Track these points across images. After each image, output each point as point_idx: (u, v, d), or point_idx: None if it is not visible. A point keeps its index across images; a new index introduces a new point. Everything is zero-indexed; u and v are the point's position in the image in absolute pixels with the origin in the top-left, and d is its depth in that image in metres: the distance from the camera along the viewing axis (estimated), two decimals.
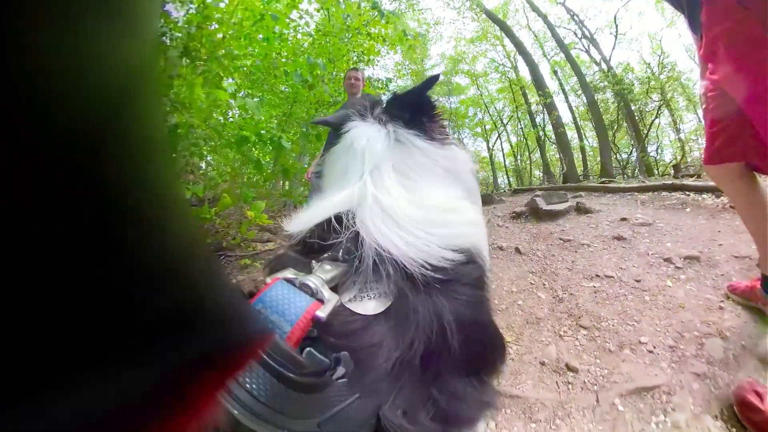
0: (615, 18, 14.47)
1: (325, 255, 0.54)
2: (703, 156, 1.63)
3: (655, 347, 1.56)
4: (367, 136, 0.69)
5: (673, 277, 2.18)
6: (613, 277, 2.33)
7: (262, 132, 3.14)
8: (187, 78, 2.59)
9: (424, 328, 0.48)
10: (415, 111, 0.74)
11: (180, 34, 2.84)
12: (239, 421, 0.31)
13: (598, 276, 2.39)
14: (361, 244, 0.55)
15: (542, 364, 1.59)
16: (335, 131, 0.78)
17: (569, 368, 1.52)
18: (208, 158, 3.92)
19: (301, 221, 0.63)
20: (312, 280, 0.45)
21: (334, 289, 0.49)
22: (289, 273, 0.47)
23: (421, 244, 0.55)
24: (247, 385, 0.32)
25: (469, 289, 0.55)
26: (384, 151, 0.66)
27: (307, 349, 0.39)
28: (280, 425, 0.32)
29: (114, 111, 0.13)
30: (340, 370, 0.39)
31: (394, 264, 0.52)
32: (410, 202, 0.61)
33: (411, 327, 0.48)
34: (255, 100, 2.81)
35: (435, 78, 0.77)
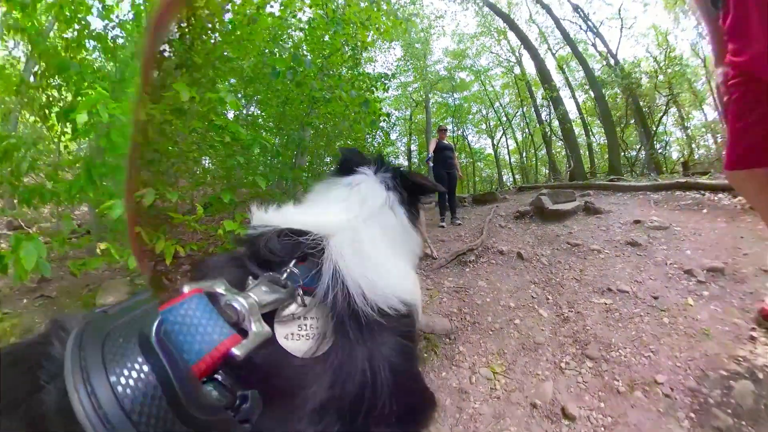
0: (620, 10, 14.03)
1: (267, 274, 0.48)
2: (724, 159, 1.33)
3: (672, 390, 1.30)
4: (372, 189, 0.76)
5: (695, 293, 1.91)
6: (627, 291, 2.06)
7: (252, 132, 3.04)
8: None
9: (356, 371, 0.46)
10: (412, 195, 0.83)
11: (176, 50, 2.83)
12: None
13: (610, 290, 2.13)
14: (318, 273, 0.53)
15: (533, 406, 1.34)
16: (347, 165, 0.84)
17: (565, 414, 1.27)
18: (204, 162, 3.85)
19: (268, 218, 0.63)
20: (242, 302, 0.38)
21: (267, 316, 0.43)
22: (220, 286, 0.40)
23: (379, 287, 0.55)
24: (125, 401, 0.25)
25: (403, 339, 0.55)
26: (379, 210, 0.73)
27: (208, 386, 0.33)
28: None
29: None
30: (245, 411, 0.33)
31: (344, 296, 0.51)
32: (382, 254, 0.64)
33: (344, 369, 0.45)
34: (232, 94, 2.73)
35: (440, 189, 0.94)
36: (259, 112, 6.08)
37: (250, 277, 0.48)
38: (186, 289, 0.37)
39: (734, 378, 1.31)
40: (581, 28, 14.26)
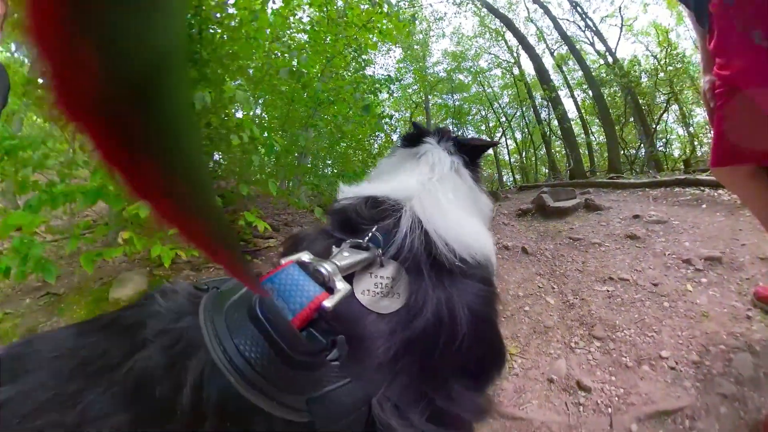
0: (620, 9, 14.16)
1: (348, 241, 0.55)
2: (710, 158, 1.50)
3: (677, 363, 1.41)
4: (438, 156, 0.82)
5: (693, 280, 2.01)
6: (628, 280, 2.16)
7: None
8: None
9: (433, 309, 0.50)
10: (472, 157, 0.90)
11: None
12: (233, 387, 0.33)
13: (611, 279, 2.23)
14: (395, 227, 0.59)
15: (550, 381, 1.44)
16: (413, 138, 0.92)
17: (581, 387, 1.37)
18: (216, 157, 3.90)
19: (354, 191, 0.71)
20: (326, 267, 0.45)
21: (351, 276, 0.50)
22: (305, 256, 0.48)
23: (458, 237, 0.60)
24: (247, 354, 0.34)
25: (483, 284, 0.59)
26: (448, 173, 0.80)
27: (307, 330, 0.40)
28: (270, 396, 0.34)
29: (150, 83, 0.15)
30: (335, 353, 0.40)
31: (422, 241, 0.57)
32: (457, 211, 0.71)
33: (419, 311, 0.50)
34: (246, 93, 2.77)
35: (496, 143, 1.18)
36: (265, 114, 6.13)
37: (334, 246, 0.55)
38: (282, 261, 0.47)
39: (734, 351, 1.41)
40: (579, 28, 14.40)
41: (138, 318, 0.40)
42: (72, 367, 0.35)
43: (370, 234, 0.57)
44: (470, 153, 0.89)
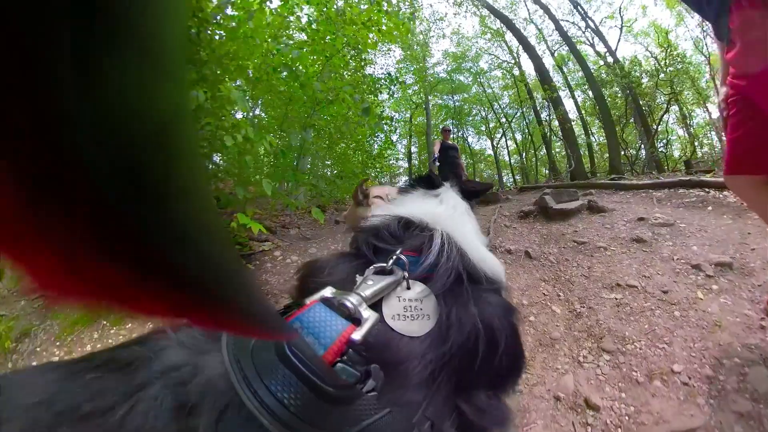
0: (620, 10, 14.13)
1: (372, 267, 0.56)
2: (723, 166, 1.49)
3: (690, 378, 1.35)
4: (456, 199, 0.91)
5: (704, 287, 1.95)
6: (636, 287, 2.10)
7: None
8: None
9: (473, 324, 0.51)
10: (473, 197, 1.02)
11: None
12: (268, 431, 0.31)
13: (619, 285, 2.16)
14: (429, 243, 0.62)
15: (557, 398, 1.38)
16: (426, 181, 1.01)
17: (589, 405, 1.31)
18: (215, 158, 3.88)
19: (389, 209, 0.76)
20: (351, 300, 0.46)
21: (378, 303, 0.51)
22: (328, 292, 0.48)
23: (480, 255, 0.66)
24: (278, 394, 0.32)
25: (506, 298, 0.63)
26: (464, 212, 0.88)
27: (339, 365, 0.39)
28: None
29: (154, 151, 0.14)
30: (370, 383, 0.39)
31: (458, 252, 0.61)
32: (476, 239, 0.76)
33: (456, 325, 0.51)
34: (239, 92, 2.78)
35: (491, 186, 1.15)
36: (263, 114, 6.09)
37: (357, 275, 0.55)
38: (307, 301, 0.47)
39: (748, 364, 1.35)
40: (580, 29, 14.36)
41: (141, 354, 0.36)
42: (56, 413, 0.29)
43: (394, 257, 0.58)
44: (471, 194, 1.01)
